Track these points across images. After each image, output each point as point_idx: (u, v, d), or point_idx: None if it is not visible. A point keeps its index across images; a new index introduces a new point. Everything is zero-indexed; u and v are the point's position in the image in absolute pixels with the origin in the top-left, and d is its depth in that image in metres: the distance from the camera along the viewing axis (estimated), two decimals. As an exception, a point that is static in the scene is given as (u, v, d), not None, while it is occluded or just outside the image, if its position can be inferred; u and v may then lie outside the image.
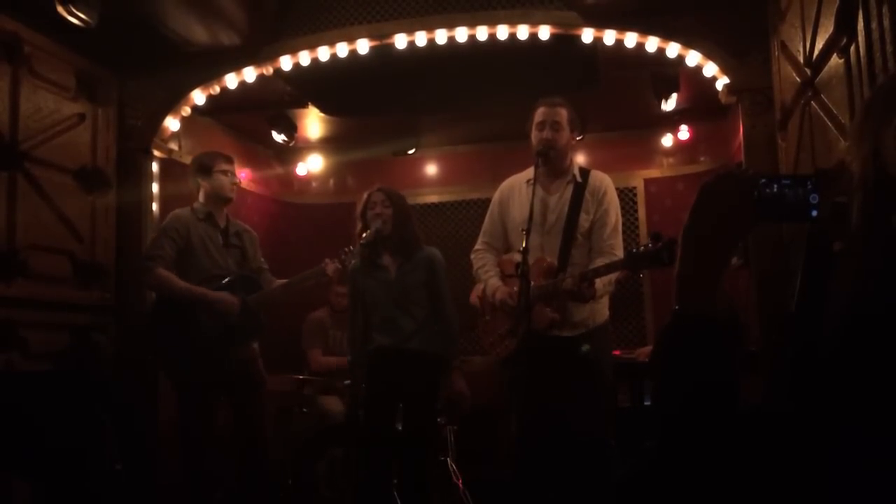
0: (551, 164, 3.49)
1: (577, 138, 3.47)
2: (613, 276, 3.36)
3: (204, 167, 3.94)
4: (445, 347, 3.76)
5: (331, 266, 3.90)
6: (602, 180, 3.55)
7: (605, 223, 3.46)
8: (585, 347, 3.43)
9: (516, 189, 3.63)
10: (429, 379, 3.71)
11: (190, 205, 4.00)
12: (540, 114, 3.50)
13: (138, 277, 4.04)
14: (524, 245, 3.11)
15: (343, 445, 4.49)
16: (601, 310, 3.56)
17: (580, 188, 3.50)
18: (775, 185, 1.03)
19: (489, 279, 3.59)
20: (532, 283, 3.26)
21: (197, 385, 3.75)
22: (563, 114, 3.49)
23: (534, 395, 3.24)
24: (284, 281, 4.08)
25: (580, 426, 3.40)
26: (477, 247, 3.75)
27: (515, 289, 3.32)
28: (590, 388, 3.43)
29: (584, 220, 3.46)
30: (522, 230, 3.13)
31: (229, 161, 4.02)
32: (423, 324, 3.71)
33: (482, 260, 3.69)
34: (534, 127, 3.51)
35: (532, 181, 3.44)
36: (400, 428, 3.75)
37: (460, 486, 4.29)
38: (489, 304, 3.60)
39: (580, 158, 6.09)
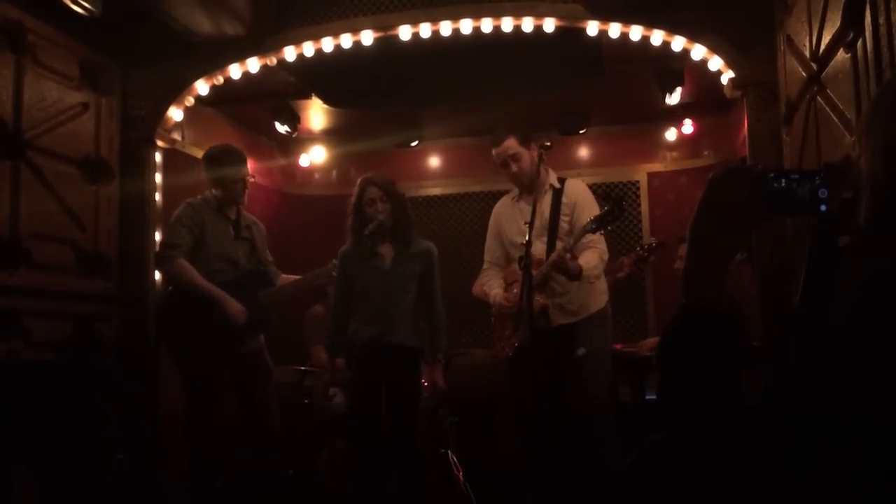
0: (528, 185, 3.81)
1: (546, 144, 3.64)
2: (596, 260, 3.69)
3: (217, 174, 3.95)
4: (432, 343, 3.81)
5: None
6: (574, 188, 3.90)
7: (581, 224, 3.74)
8: (581, 351, 3.69)
9: (504, 208, 4.04)
10: (410, 372, 3.75)
11: (198, 194, 4.01)
12: (495, 155, 3.85)
13: (157, 264, 4.06)
14: (528, 238, 3.41)
15: (344, 437, 4.51)
16: (598, 296, 3.83)
17: (558, 194, 3.86)
18: (783, 180, 1.02)
19: (492, 290, 3.94)
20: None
21: (205, 375, 3.78)
22: (512, 143, 3.79)
23: (534, 386, 3.45)
24: (295, 278, 4.11)
25: (575, 410, 3.65)
26: (483, 267, 4.12)
27: (515, 290, 3.68)
28: (582, 373, 3.67)
29: (564, 222, 3.81)
30: (522, 243, 3.48)
31: (242, 164, 4.01)
32: (408, 316, 3.73)
33: (486, 277, 4.07)
34: (499, 167, 3.86)
35: (516, 198, 3.95)
36: (386, 418, 3.78)
37: (461, 478, 4.30)
38: (497, 314, 3.90)
39: (584, 152, 6.10)
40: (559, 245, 3.68)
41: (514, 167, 3.80)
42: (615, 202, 3.43)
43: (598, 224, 3.48)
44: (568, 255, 3.54)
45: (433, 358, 3.83)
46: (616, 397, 4.39)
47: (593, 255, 3.69)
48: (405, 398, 3.72)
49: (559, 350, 3.68)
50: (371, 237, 3.71)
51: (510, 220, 3.95)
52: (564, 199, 3.84)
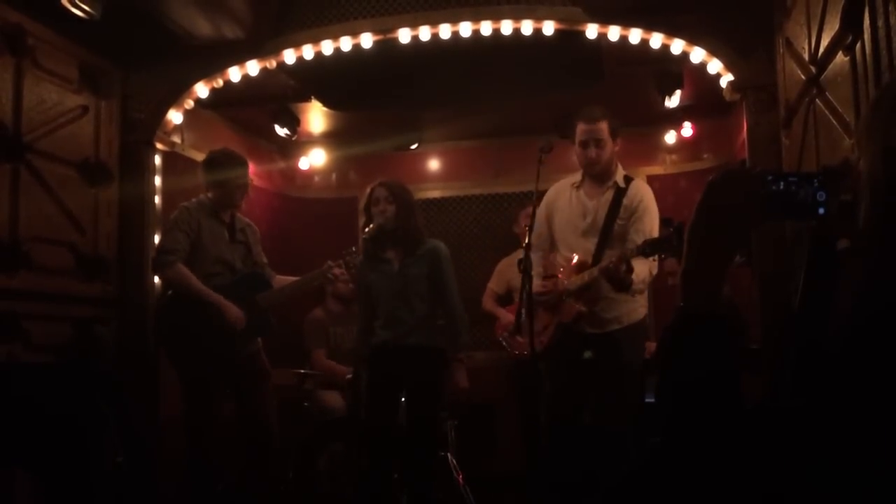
0: (597, 175, 3.63)
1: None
2: (645, 273, 3.47)
3: (218, 178, 3.95)
4: (450, 341, 3.77)
5: (337, 270, 3.93)
6: (639, 190, 3.64)
7: (639, 230, 3.53)
8: (587, 354, 3.54)
9: (561, 193, 3.75)
10: (429, 373, 3.71)
11: (194, 197, 4.01)
12: (581, 132, 3.59)
13: (155, 270, 4.06)
14: (527, 241, 3.30)
15: (344, 440, 4.50)
16: (636, 308, 3.66)
17: (620, 194, 3.60)
18: (782, 183, 1.02)
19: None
20: (566, 280, 3.52)
21: (204, 378, 3.78)
22: (605, 128, 3.58)
23: (552, 389, 3.44)
24: (292, 281, 4.12)
25: (601, 420, 3.54)
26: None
27: (554, 279, 3.53)
28: (612, 384, 3.53)
29: (619, 226, 3.56)
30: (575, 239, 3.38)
31: (244, 169, 4.01)
32: (423, 317, 3.71)
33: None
34: (577, 144, 3.60)
35: (577, 185, 3.68)
36: (402, 423, 3.76)
37: (461, 481, 4.29)
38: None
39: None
40: (608, 253, 3.48)
41: (593, 151, 3.56)
42: (676, 231, 3.08)
43: (650, 249, 3.23)
44: (624, 267, 3.30)
45: (453, 357, 3.82)
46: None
47: (643, 268, 3.46)
48: (424, 402, 3.69)
49: (593, 360, 3.55)
50: (372, 241, 3.71)
51: (565, 208, 3.70)
52: (625, 202, 3.58)
